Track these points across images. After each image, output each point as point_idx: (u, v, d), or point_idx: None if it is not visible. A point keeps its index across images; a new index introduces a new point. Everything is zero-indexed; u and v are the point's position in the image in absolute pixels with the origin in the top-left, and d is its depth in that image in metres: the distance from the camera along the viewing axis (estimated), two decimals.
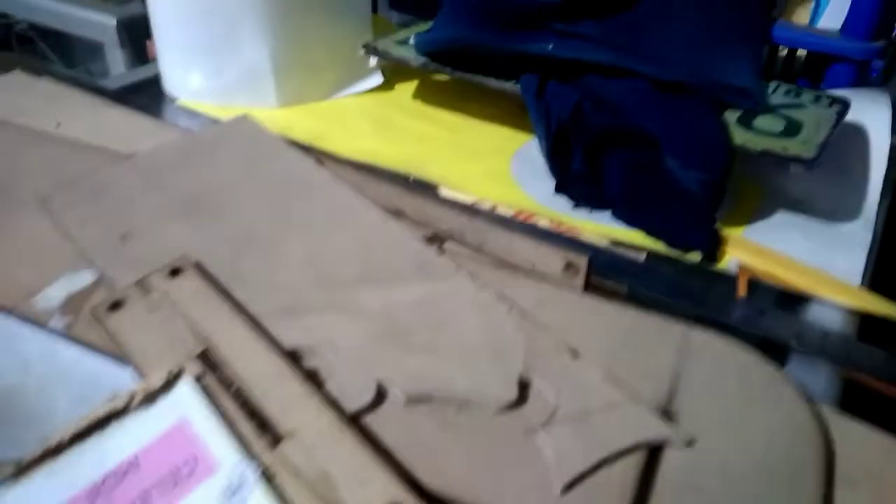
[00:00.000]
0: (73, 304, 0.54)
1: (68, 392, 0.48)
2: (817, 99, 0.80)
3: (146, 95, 0.94)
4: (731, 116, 0.74)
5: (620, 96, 0.73)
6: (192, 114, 0.89)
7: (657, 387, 0.48)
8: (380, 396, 0.47)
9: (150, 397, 0.46)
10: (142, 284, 0.53)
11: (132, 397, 0.45)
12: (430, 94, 0.97)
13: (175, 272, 0.54)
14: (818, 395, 0.49)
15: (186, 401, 0.46)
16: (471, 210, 0.60)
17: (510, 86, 0.80)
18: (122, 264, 0.56)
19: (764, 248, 0.68)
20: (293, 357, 0.48)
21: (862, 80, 0.94)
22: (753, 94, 0.77)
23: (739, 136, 0.70)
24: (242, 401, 0.45)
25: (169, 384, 0.46)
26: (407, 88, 0.99)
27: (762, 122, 0.74)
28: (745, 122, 0.74)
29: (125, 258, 0.57)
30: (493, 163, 0.83)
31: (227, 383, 0.46)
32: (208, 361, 0.48)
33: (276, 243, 0.58)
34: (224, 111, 0.88)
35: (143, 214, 0.61)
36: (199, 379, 0.47)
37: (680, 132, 0.70)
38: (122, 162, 0.67)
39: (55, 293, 0.54)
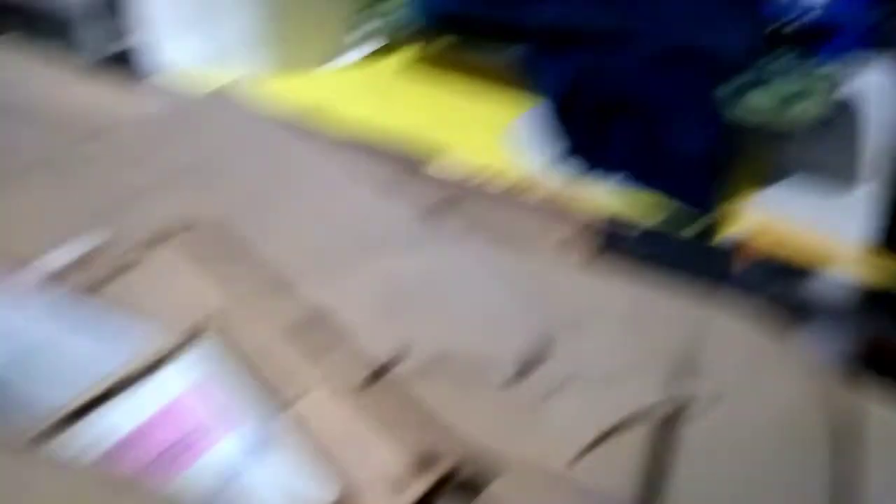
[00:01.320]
0: (85, 263, 0.53)
1: (85, 348, 0.47)
2: (817, 67, 0.80)
3: (125, 69, 0.91)
4: (730, 86, 0.74)
5: (619, 66, 0.72)
6: (173, 86, 0.87)
7: (669, 354, 0.48)
8: (387, 363, 0.46)
9: (166, 357, 0.45)
10: (149, 247, 0.52)
11: (149, 356, 0.45)
12: (427, 63, 0.95)
13: (177, 238, 0.53)
14: (829, 359, 0.49)
15: (201, 361, 0.45)
16: (468, 182, 0.59)
17: (511, 54, 0.79)
18: (127, 228, 0.55)
19: (770, 216, 0.68)
20: (302, 323, 0.48)
21: (863, 46, 0.93)
22: (752, 64, 0.76)
23: (738, 107, 0.70)
24: (254, 363, 0.45)
25: (182, 345, 0.46)
26: (404, 57, 0.97)
27: (762, 91, 0.74)
28: (744, 91, 0.73)
29: (128, 223, 0.55)
30: (491, 131, 0.82)
31: (238, 346, 0.46)
32: (219, 325, 0.47)
33: (274, 213, 0.57)
34: (218, 78, 0.86)
35: (140, 183, 0.59)
36: (210, 341, 0.46)
37: (677, 101, 0.70)
38: (114, 130, 0.65)
39: (60, 256, 0.53)
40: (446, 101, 0.88)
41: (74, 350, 0.46)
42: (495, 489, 0.40)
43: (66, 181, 0.60)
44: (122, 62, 0.94)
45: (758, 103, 0.70)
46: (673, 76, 0.73)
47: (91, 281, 0.51)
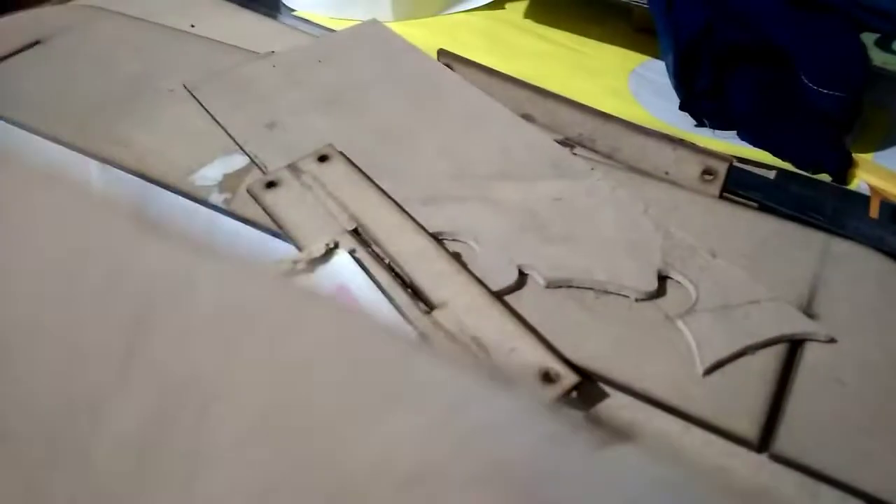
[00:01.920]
0: (228, 183, 0.57)
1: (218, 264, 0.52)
2: None
3: (264, 5, 0.96)
4: (869, 38, 0.72)
5: (754, 10, 0.71)
6: (311, 23, 0.91)
7: (798, 288, 0.48)
8: (521, 279, 0.49)
9: (311, 265, 0.49)
10: (293, 167, 0.56)
11: (295, 263, 0.49)
12: (542, 12, 0.96)
13: (323, 158, 0.57)
14: None
15: (344, 270, 0.49)
16: (603, 115, 0.60)
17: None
18: (271, 150, 0.59)
19: (894, 172, 0.67)
20: (441, 239, 0.51)
21: None
22: (894, 17, 0.73)
23: (878, 57, 0.68)
24: (395, 273, 0.48)
25: (327, 255, 0.50)
26: (519, 6, 0.98)
27: None
28: (884, 44, 0.71)
29: (273, 144, 0.60)
30: (610, 80, 0.82)
31: (380, 257, 0.49)
32: (360, 238, 0.51)
33: (414, 138, 0.60)
34: (339, 23, 0.89)
35: (286, 106, 0.64)
36: (353, 252, 0.50)
37: (815, 48, 0.68)
38: (261, 59, 0.70)
39: (212, 173, 0.58)
40: (570, 48, 0.89)
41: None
42: (617, 408, 0.43)
43: (218, 103, 0.65)
44: (259, 1, 0.98)
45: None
46: (811, 23, 0.71)
47: (240, 194, 0.55)
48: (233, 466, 0.27)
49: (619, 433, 0.33)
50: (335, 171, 0.55)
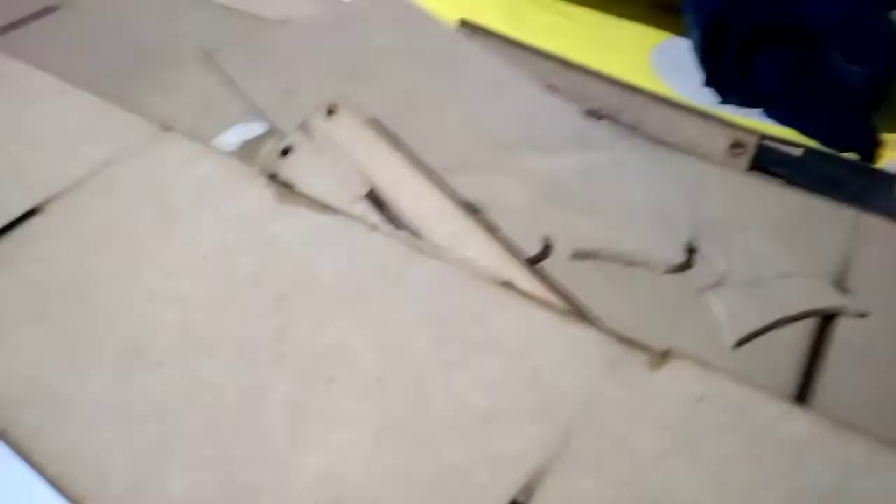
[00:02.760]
0: (247, 149, 0.56)
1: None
2: None
3: None
4: None
5: None
6: None
7: (829, 263, 0.47)
8: (545, 250, 0.48)
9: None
10: (304, 127, 0.55)
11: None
12: None
13: (331, 111, 0.56)
14: None
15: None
16: (630, 87, 0.59)
17: None
18: (290, 116, 0.58)
19: None
20: (465, 205, 0.50)
21: None
22: None
23: None
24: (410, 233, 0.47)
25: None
26: None
27: None
28: None
29: (292, 110, 0.59)
30: (632, 57, 0.81)
31: (395, 220, 0.48)
32: (375, 199, 0.50)
33: (435, 107, 0.59)
34: None
35: (305, 73, 0.63)
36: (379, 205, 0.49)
37: (846, 24, 0.66)
38: (279, 26, 0.69)
39: (231, 139, 0.57)
40: (591, 25, 0.87)
41: None
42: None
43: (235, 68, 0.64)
44: None
45: None
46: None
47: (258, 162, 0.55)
48: (358, 417, 0.35)
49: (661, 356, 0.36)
50: (345, 127, 0.54)
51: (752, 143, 0.53)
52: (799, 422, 0.34)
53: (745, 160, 0.54)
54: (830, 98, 0.66)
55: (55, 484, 0.33)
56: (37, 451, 0.34)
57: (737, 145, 0.54)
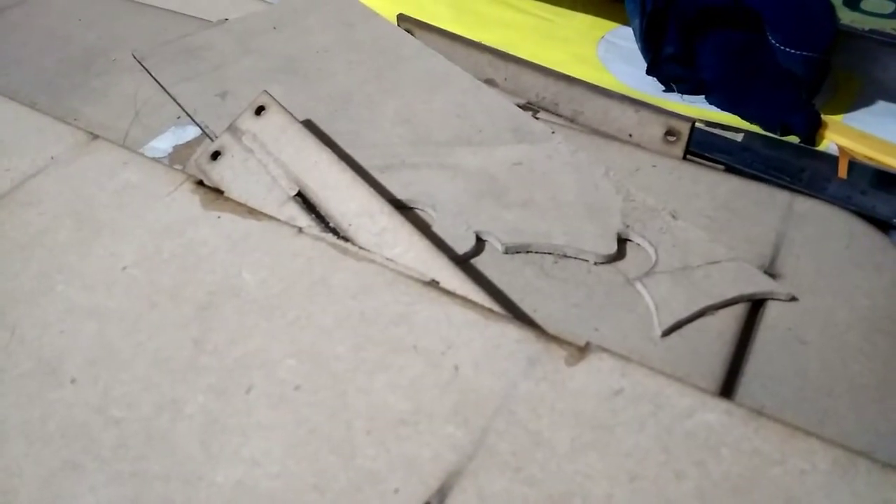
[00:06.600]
0: (178, 155, 0.56)
1: None
2: None
3: None
4: None
5: None
6: None
7: (760, 247, 0.47)
8: (479, 245, 0.48)
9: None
10: (233, 129, 0.54)
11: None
12: None
13: (259, 110, 0.54)
14: None
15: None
16: (566, 78, 0.58)
17: None
18: (223, 120, 0.57)
19: (863, 132, 0.66)
20: (396, 203, 0.49)
21: None
22: None
23: (846, 16, 0.67)
24: (339, 235, 0.46)
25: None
26: None
27: (870, 3, 0.70)
28: (852, 3, 0.70)
29: (225, 114, 0.58)
30: (578, 48, 0.81)
31: (324, 221, 0.47)
32: (305, 200, 0.49)
33: (371, 105, 0.59)
34: None
35: (239, 75, 0.62)
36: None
37: (784, 9, 0.66)
38: (213, 27, 0.68)
39: (161, 145, 0.56)
40: (539, 17, 0.87)
41: None
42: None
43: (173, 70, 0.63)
44: None
45: (864, 13, 0.67)
46: None
47: (189, 167, 0.54)
48: (273, 427, 0.35)
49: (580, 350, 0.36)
50: (273, 126, 0.53)
51: (685, 130, 0.53)
52: (713, 412, 0.33)
53: (679, 148, 0.54)
54: (770, 83, 0.66)
55: None
56: None
57: (670, 133, 0.53)
